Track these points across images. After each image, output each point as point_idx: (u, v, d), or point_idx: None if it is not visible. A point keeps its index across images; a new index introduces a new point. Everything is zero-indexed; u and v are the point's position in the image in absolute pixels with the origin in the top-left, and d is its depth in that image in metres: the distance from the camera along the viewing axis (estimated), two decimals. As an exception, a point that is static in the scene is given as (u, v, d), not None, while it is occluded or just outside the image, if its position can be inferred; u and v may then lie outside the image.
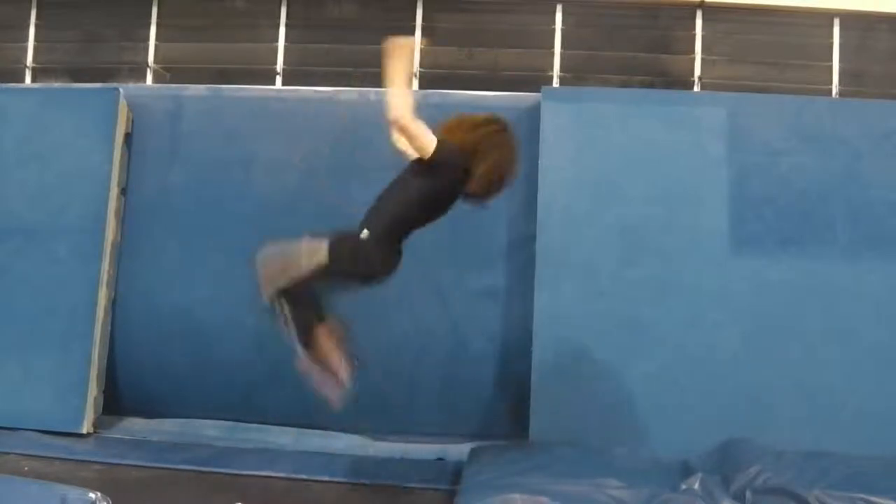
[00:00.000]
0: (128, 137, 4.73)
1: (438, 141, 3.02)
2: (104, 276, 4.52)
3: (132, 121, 4.76)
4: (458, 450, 4.18)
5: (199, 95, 4.86)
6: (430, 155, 3.00)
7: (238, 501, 3.39)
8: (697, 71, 5.05)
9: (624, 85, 5.01)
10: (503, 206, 4.19)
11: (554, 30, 5.11)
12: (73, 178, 4.59)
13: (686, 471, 3.56)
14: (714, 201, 4.35)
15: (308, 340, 3.09)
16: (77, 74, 5.26)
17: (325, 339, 3.12)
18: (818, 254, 4.28)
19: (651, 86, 5.04)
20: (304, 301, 3.08)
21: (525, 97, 4.64)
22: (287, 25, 5.23)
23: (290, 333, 3.07)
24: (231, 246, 4.36)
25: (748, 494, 3.25)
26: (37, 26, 5.35)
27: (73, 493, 2.36)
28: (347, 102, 4.67)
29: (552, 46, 5.10)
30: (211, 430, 4.50)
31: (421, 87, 5.03)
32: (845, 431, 4.04)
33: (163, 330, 4.60)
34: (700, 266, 4.30)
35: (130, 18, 5.30)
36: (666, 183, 4.38)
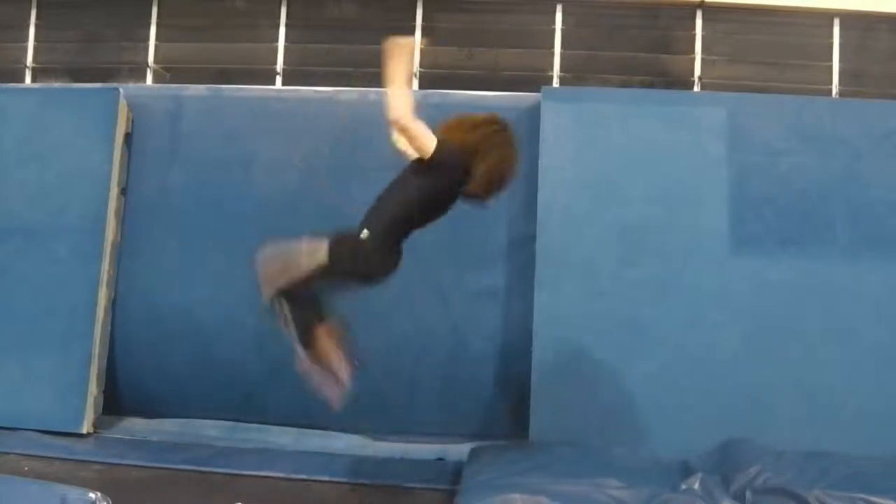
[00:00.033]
0: (128, 137, 4.73)
1: (438, 141, 3.02)
2: (104, 276, 4.52)
3: (132, 121, 4.76)
4: (458, 450, 4.18)
5: (199, 95, 4.86)
6: (430, 155, 3.00)
7: (238, 501, 3.39)
8: (697, 71, 5.05)
9: (624, 85, 5.01)
10: (503, 206, 4.19)
11: (554, 30, 5.11)
12: (73, 178, 4.59)
13: (686, 471, 3.56)
14: (714, 201, 4.35)
15: (308, 340, 3.09)
16: (77, 74, 5.26)
17: (325, 339, 3.13)
18: (818, 254, 4.28)
19: (651, 86, 5.04)
20: (304, 301, 3.08)
21: (525, 97, 4.64)
22: (287, 25, 5.23)
23: (290, 333, 3.07)
24: (231, 246, 4.36)
25: (748, 494, 3.25)
26: (37, 26, 5.35)
27: (73, 493, 2.36)
28: (347, 102, 4.67)
29: (552, 46, 5.10)
30: (211, 430, 4.50)
31: (421, 87, 5.04)
32: (845, 431, 4.04)
33: (163, 330, 4.60)
34: (700, 266, 4.30)
35: (130, 18, 5.30)
36: (666, 183, 4.38)
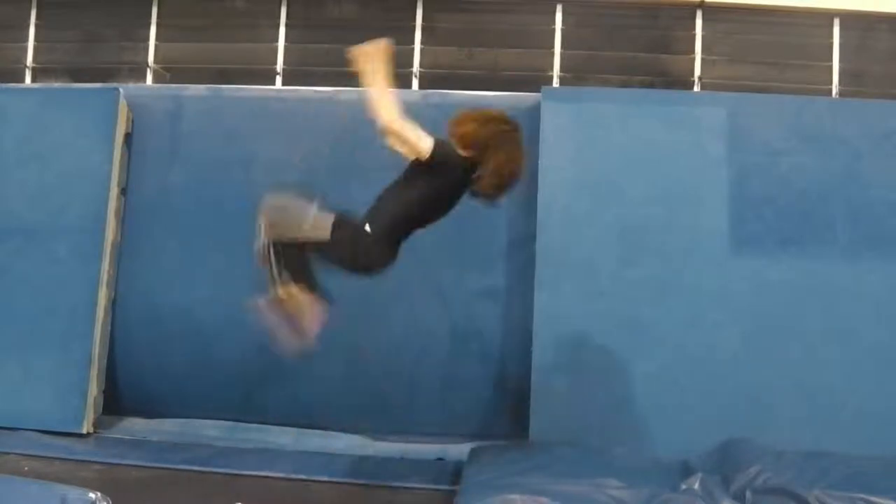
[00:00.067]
0: (128, 137, 4.73)
1: (436, 141, 3.02)
2: (104, 276, 4.52)
3: (132, 121, 4.76)
4: (458, 450, 4.18)
5: (199, 95, 4.86)
6: (427, 156, 3.00)
7: (238, 501, 3.39)
8: (697, 71, 5.05)
9: (624, 85, 5.01)
10: (503, 206, 4.18)
11: (554, 30, 5.11)
12: (73, 178, 4.59)
13: (686, 471, 3.56)
14: (714, 201, 4.35)
15: (282, 289, 3.08)
16: (77, 74, 5.26)
17: (302, 296, 3.11)
18: (818, 254, 4.28)
19: (651, 86, 5.04)
20: (296, 260, 3.09)
21: (525, 97, 4.64)
22: (287, 25, 5.23)
23: (267, 273, 3.06)
24: (231, 246, 4.35)
25: (748, 494, 3.24)
26: (37, 26, 5.35)
27: (73, 493, 2.35)
28: (347, 102, 4.67)
29: (552, 46, 5.11)
30: (211, 430, 4.50)
31: (421, 87, 5.04)
32: (845, 431, 4.04)
33: (163, 330, 4.60)
34: (700, 266, 4.30)
35: (130, 18, 5.30)
36: (666, 183, 4.38)
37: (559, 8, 5.12)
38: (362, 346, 4.50)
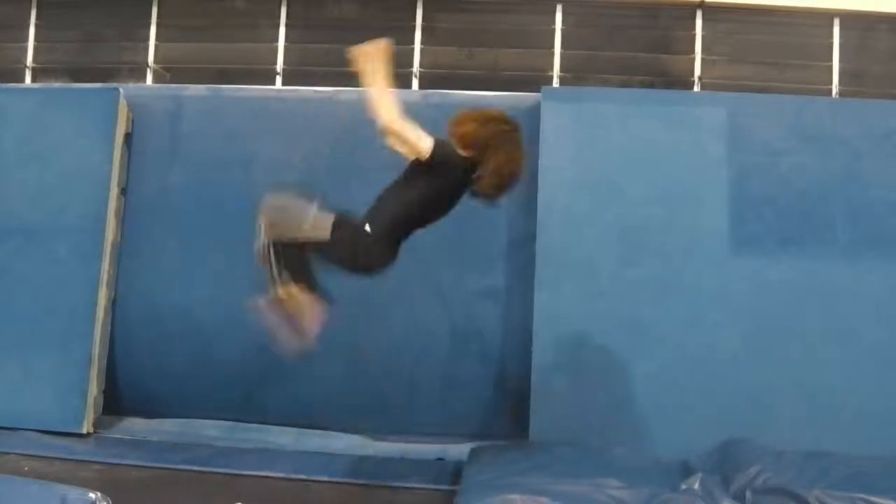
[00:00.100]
0: (128, 137, 4.73)
1: (436, 141, 3.02)
2: (104, 276, 4.52)
3: (132, 121, 4.76)
4: (458, 450, 4.18)
5: (199, 95, 4.86)
6: (427, 156, 3.00)
7: (238, 501, 3.39)
8: (697, 71, 5.05)
9: (624, 85, 5.01)
10: (503, 206, 4.18)
11: (554, 30, 5.11)
12: (73, 178, 4.59)
13: (686, 471, 3.56)
14: (714, 201, 4.35)
15: (283, 289, 3.08)
16: (77, 74, 5.26)
17: (303, 297, 3.11)
18: (818, 254, 4.28)
19: (651, 86, 5.04)
20: (296, 260, 3.09)
21: (525, 97, 4.64)
22: (287, 25, 5.23)
23: (267, 273, 3.07)
24: (231, 246, 4.35)
25: (748, 494, 3.24)
26: (37, 26, 5.35)
27: (73, 493, 2.35)
28: (347, 102, 4.66)
29: (552, 46, 5.10)
30: (211, 430, 4.50)
31: (421, 87, 5.04)
32: (845, 431, 4.04)
33: (163, 330, 4.60)
34: (700, 266, 4.30)
35: (130, 18, 5.30)
36: (666, 183, 4.38)
37: (559, 8, 5.12)
38: (362, 346, 4.50)
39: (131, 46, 5.29)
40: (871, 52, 5.06)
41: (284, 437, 4.47)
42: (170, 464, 3.93)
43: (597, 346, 4.25)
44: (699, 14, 5.08)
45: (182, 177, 4.73)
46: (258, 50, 5.23)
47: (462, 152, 3.09)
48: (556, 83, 5.03)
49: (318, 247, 3.05)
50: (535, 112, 4.48)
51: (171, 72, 5.26)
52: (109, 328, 4.61)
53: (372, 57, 3.04)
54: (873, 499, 3.11)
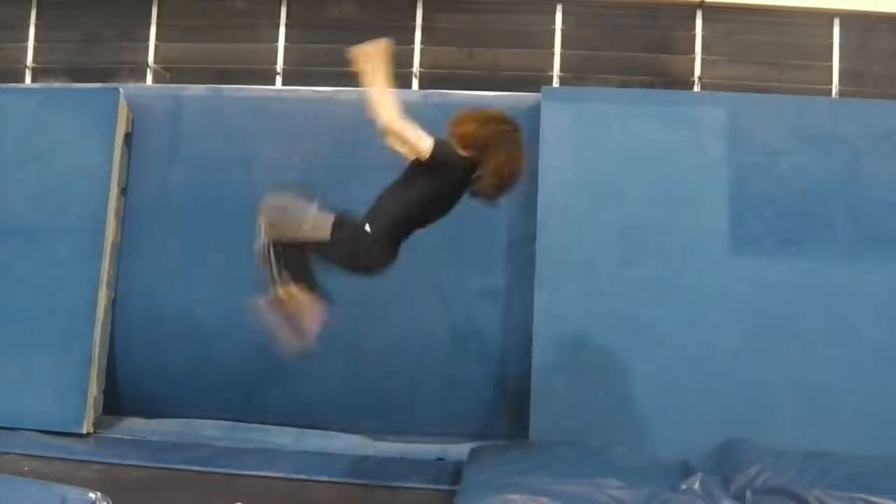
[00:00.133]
0: (128, 137, 4.73)
1: (436, 141, 3.02)
2: (104, 276, 4.51)
3: (132, 121, 4.76)
4: (458, 450, 4.18)
5: (199, 95, 4.86)
6: (427, 156, 3.00)
7: (238, 501, 3.39)
8: (697, 71, 5.05)
9: (624, 85, 5.01)
10: (503, 206, 4.18)
11: (554, 30, 5.11)
12: (73, 178, 4.59)
13: (686, 471, 3.56)
14: (714, 201, 4.35)
15: (283, 289, 3.08)
16: (77, 74, 5.26)
17: (302, 297, 3.11)
18: (818, 254, 4.28)
19: (651, 86, 5.04)
20: (296, 260, 3.09)
21: (525, 97, 4.64)
22: (287, 25, 5.23)
23: (267, 273, 3.07)
24: (231, 246, 4.35)
25: (748, 494, 3.24)
26: (37, 26, 5.35)
27: (73, 493, 2.35)
28: (347, 102, 4.66)
29: (552, 46, 5.10)
30: (211, 430, 4.50)
31: (421, 87, 5.04)
32: (845, 431, 4.04)
33: (163, 330, 4.60)
34: (700, 266, 4.30)
35: (130, 18, 5.30)
36: (666, 183, 4.38)
37: (559, 8, 5.12)
38: (362, 346, 4.50)
39: (131, 46, 5.29)
40: (871, 52, 5.06)
41: (284, 437, 4.47)
42: (170, 464, 3.93)
43: (597, 346, 4.25)
44: (699, 14, 5.08)
45: (182, 177, 4.73)
46: (258, 50, 5.23)
47: (462, 152, 3.09)
48: (556, 83, 5.03)
49: (318, 247, 3.05)
50: (535, 112, 4.48)
51: (171, 72, 5.26)
52: (109, 328, 4.61)
53: (372, 57, 3.04)
54: (873, 499, 3.11)
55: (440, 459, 4.24)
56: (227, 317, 4.50)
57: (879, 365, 4.15)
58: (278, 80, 5.19)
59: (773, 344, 4.20)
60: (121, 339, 4.64)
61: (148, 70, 5.26)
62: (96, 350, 4.45)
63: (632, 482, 3.33)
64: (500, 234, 4.55)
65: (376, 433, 4.48)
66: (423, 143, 2.99)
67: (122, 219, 4.70)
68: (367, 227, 3.04)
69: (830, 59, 5.03)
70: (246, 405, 4.58)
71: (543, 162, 4.39)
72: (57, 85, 5.19)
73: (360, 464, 4.09)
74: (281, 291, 3.08)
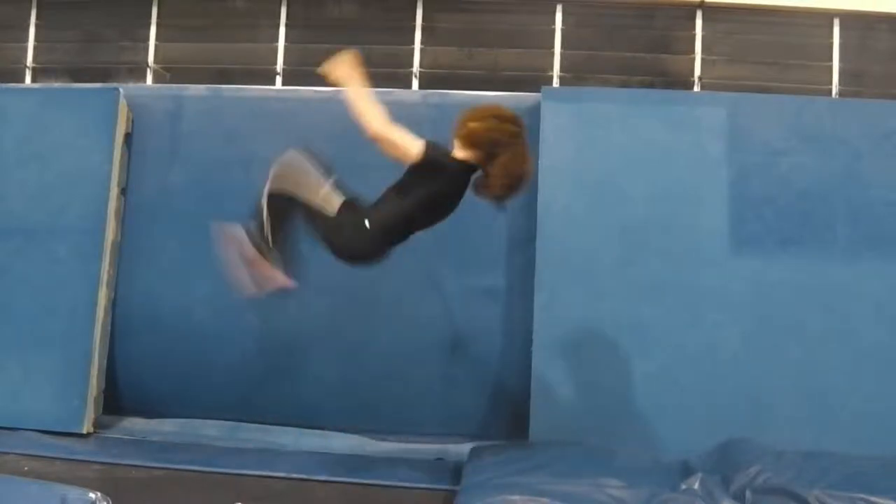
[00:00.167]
0: (128, 137, 4.73)
1: (426, 144, 3.03)
2: (104, 276, 4.51)
3: (132, 121, 4.76)
4: (458, 450, 4.18)
5: (199, 95, 4.86)
6: (417, 160, 3.01)
7: (238, 501, 3.39)
8: (697, 71, 5.04)
9: (624, 85, 5.01)
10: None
11: (554, 30, 5.11)
12: (73, 178, 4.59)
13: (686, 471, 3.56)
14: (714, 201, 4.35)
15: (266, 246, 3.10)
16: (77, 74, 5.26)
17: (272, 259, 3.12)
18: (818, 254, 4.28)
19: (651, 86, 5.04)
20: (284, 222, 3.10)
21: (525, 97, 4.64)
22: (287, 25, 5.22)
23: (257, 225, 3.12)
24: (231, 246, 4.35)
25: (748, 494, 3.24)
26: (37, 26, 5.35)
27: (73, 493, 2.35)
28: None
29: (552, 46, 5.10)
30: (211, 430, 4.50)
31: (421, 87, 5.04)
32: (845, 431, 4.04)
33: (163, 330, 4.60)
34: (700, 266, 4.30)
35: (130, 18, 5.29)
36: (666, 183, 4.37)
37: (559, 8, 5.12)
38: (362, 346, 4.50)
39: (131, 46, 5.28)
40: (871, 52, 5.06)
41: (284, 437, 4.47)
42: (170, 464, 3.92)
43: (597, 345, 4.25)
44: (699, 14, 5.07)
45: (182, 177, 4.73)
46: (258, 50, 5.23)
47: (468, 151, 3.10)
48: (556, 83, 5.03)
49: (317, 218, 3.05)
50: (535, 112, 4.47)
51: (171, 72, 5.26)
52: (109, 328, 4.61)
53: (343, 68, 3.06)
54: (873, 499, 3.11)
55: (440, 459, 4.24)
56: (227, 317, 4.50)
57: (879, 365, 4.15)
58: (278, 80, 5.18)
59: (773, 344, 4.20)
60: (121, 339, 4.64)
61: (148, 70, 5.26)
62: (96, 350, 4.45)
63: (632, 482, 3.32)
64: (500, 234, 4.55)
65: (376, 433, 4.47)
66: (412, 147, 3.00)
67: (122, 219, 4.70)
68: (367, 223, 3.05)
69: (830, 59, 5.02)
70: (246, 405, 4.58)
71: (543, 162, 4.38)
72: (57, 85, 5.18)
73: (360, 464, 4.08)
74: (262, 246, 3.07)
